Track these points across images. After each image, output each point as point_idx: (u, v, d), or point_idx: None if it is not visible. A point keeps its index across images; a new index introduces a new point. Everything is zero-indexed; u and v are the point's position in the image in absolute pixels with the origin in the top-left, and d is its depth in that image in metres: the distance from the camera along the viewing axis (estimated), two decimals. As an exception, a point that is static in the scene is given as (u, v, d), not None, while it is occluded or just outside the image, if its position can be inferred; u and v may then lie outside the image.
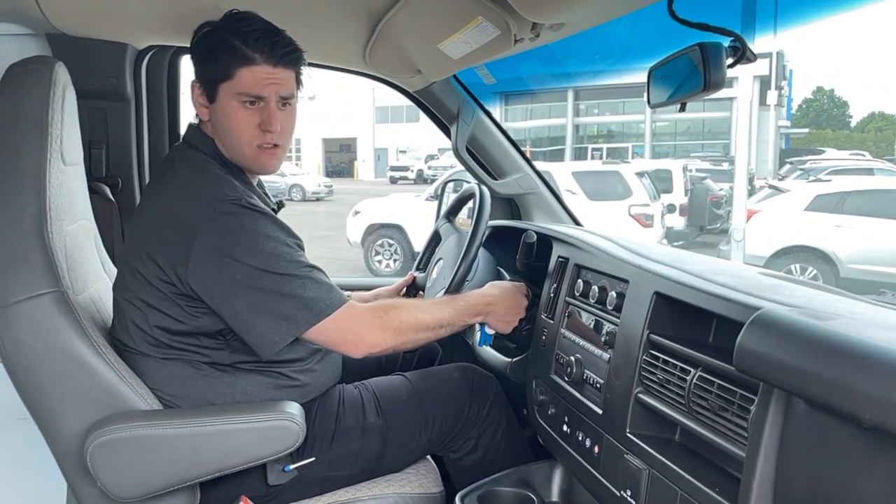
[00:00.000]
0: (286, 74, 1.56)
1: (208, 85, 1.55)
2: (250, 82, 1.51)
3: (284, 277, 1.42)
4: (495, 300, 1.72)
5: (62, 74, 1.56)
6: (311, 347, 1.63)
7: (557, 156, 32.64)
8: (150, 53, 2.19)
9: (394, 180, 33.25)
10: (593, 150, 34.04)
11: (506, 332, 1.77)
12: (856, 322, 0.95)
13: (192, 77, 1.60)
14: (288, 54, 1.54)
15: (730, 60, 1.31)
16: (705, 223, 13.45)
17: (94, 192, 1.89)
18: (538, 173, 2.51)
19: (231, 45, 1.50)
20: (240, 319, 1.44)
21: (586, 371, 1.54)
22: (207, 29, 1.55)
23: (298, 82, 1.63)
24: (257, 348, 1.46)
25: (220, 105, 1.54)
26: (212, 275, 1.41)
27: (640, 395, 1.32)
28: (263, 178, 1.78)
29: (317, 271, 1.48)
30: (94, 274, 1.65)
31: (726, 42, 1.32)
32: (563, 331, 1.69)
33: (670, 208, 11.69)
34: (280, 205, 1.76)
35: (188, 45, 1.60)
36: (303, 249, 1.52)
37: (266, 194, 1.74)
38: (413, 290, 2.13)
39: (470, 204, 2.03)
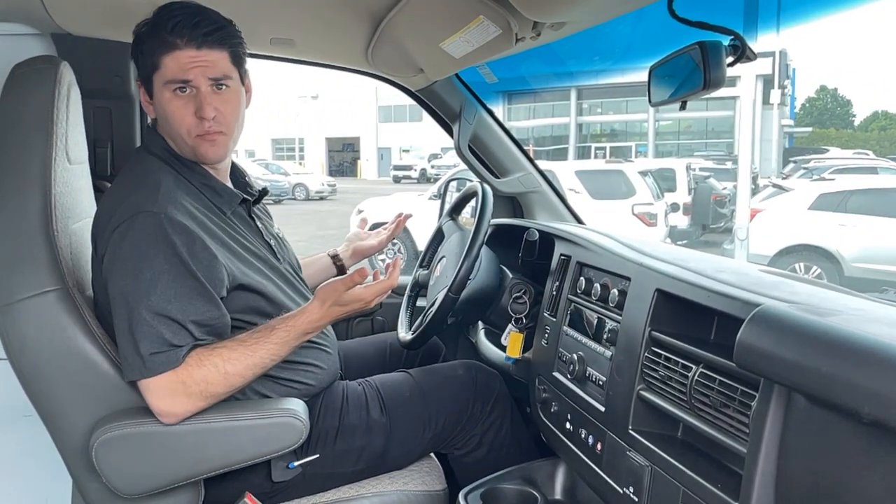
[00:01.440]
0: (215, 56, 1.48)
1: (145, 81, 1.53)
2: (175, 68, 1.46)
3: (137, 315, 1.36)
4: (324, 311, 1.50)
5: (67, 74, 1.57)
6: (314, 349, 1.64)
7: (561, 155, 32.60)
8: (154, 53, 2.20)
9: (397, 179, 33.32)
10: (596, 149, 34.01)
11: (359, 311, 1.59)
12: (856, 318, 0.96)
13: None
14: (211, 33, 1.47)
15: (730, 59, 1.32)
16: (709, 222, 13.42)
17: (98, 190, 1.89)
18: (540, 172, 2.52)
19: (155, 35, 1.47)
20: (115, 332, 1.41)
21: (589, 368, 1.54)
22: (143, 27, 1.51)
23: (239, 64, 1.55)
24: None
25: (156, 98, 1.51)
26: (108, 282, 1.40)
27: (643, 392, 1.32)
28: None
29: (172, 324, 1.37)
30: (98, 272, 1.66)
31: (726, 41, 1.33)
32: (565, 328, 1.69)
33: (674, 207, 11.68)
34: (263, 191, 1.73)
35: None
36: (198, 294, 1.40)
37: (248, 183, 1.72)
38: (416, 287, 2.14)
39: (473, 202, 2.04)
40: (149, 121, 1.62)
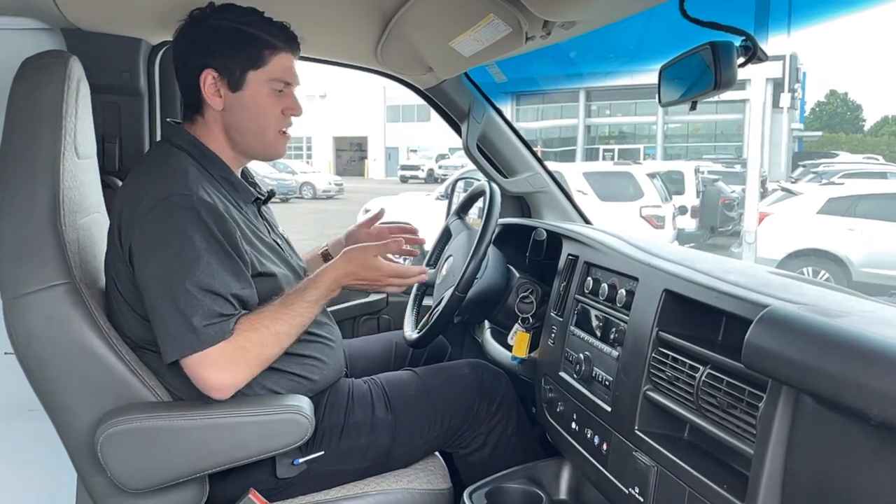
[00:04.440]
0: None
1: (231, 73, 1.54)
2: (283, 69, 1.57)
3: (183, 292, 1.37)
4: (348, 269, 1.57)
5: (76, 69, 1.57)
6: (316, 343, 1.64)
7: (569, 156, 32.57)
8: (164, 49, 2.20)
9: (404, 179, 33.33)
10: (605, 150, 33.97)
11: (376, 289, 1.65)
12: (864, 319, 0.95)
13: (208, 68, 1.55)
14: (298, 45, 1.61)
15: (741, 60, 1.31)
16: (717, 225, 13.40)
17: (106, 185, 1.90)
18: (548, 171, 2.51)
19: (254, 35, 1.54)
20: (151, 317, 1.41)
21: (595, 368, 1.54)
22: (214, 20, 1.54)
23: None
24: (160, 350, 1.42)
25: (250, 93, 1.55)
26: (140, 268, 1.41)
27: (649, 393, 1.32)
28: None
29: (217, 298, 1.40)
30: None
31: (738, 41, 1.32)
32: (572, 328, 1.69)
33: (682, 210, 11.67)
34: (271, 193, 1.75)
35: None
36: (233, 272, 1.43)
37: (255, 184, 1.73)
38: (423, 286, 2.13)
39: (480, 202, 2.04)
40: (175, 118, 1.64)
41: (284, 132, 1.62)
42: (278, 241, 1.70)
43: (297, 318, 1.50)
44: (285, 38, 1.57)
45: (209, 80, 1.55)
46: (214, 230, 1.42)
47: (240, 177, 1.66)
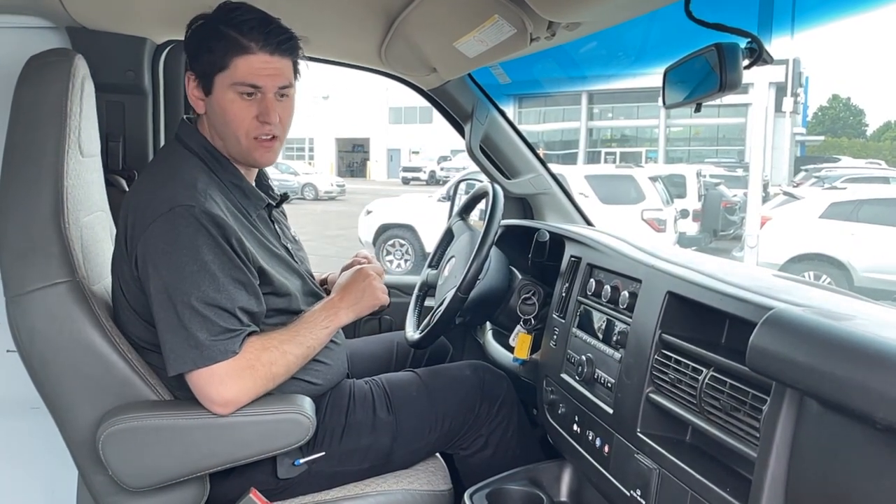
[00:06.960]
0: (283, 63, 1.50)
1: (203, 77, 1.51)
2: (247, 72, 1.46)
3: (187, 307, 1.36)
4: (343, 297, 1.61)
5: (81, 67, 1.57)
6: (322, 347, 1.63)
7: (570, 159, 32.53)
8: (169, 48, 2.21)
9: (406, 181, 33.31)
10: (606, 154, 33.98)
11: (376, 307, 1.65)
12: (870, 322, 0.95)
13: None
14: (284, 42, 1.49)
15: (746, 62, 1.31)
16: (718, 229, 13.37)
17: (110, 184, 1.90)
18: (551, 174, 2.51)
19: (225, 35, 1.46)
20: (157, 329, 1.41)
21: (597, 370, 1.54)
22: (201, 21, 1.51)
23: (296, 72, 1.58)
24: (165, 362, 1.42)
25: (217, 97, 1.50)
26: (145, 277, 1.41)
27: (652, 395, 1.32)
28: (273, 176, 1.78)
29: (223, 313, 1.39)
30: (109, 265, 1.66)
31: (743, 43, 1.32)
32: (574, 330, 1.69)
33: (683, 213, 11.64)
34: (284, 196, 1.74)
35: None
36: (241, 284, 1.42)
37: (270, 186, 1.72)
38: (424, 287, 2.13)
39: (482, 205, 2.03)
40: (191, 114, 1.61)
41: (260, 139, 1.51)
42: (288, 246, 1.69)
43: (310, 342, 1.52)
44: (259, 38, 1.46)
45: (191, 84, 1.54)
46: (221, 242, 1.40)
47: (254, 180, 1.64)
